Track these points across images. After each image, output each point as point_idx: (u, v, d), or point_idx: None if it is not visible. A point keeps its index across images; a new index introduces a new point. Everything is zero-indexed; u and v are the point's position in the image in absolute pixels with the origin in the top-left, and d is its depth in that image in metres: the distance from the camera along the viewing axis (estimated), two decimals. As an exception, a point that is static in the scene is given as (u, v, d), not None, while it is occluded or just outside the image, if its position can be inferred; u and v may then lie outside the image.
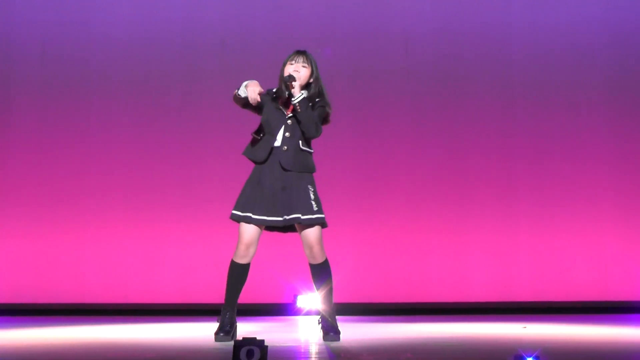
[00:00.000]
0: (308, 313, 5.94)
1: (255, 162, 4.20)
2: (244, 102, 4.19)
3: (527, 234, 6.35)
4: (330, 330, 4.13)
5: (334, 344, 4.03)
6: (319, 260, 4.15)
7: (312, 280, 4.22)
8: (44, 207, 6.30)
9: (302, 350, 3.87)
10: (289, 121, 4.16)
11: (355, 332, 4.65)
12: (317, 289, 4.20)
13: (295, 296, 6.07)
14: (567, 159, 6.44)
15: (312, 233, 4.12)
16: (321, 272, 4.16)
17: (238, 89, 4.17)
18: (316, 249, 4.12)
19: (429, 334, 4.58)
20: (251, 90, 4.12)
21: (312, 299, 5.95)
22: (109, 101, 6.45)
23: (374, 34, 6.53)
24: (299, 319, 5.82)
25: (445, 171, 6.40)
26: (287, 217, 4.09)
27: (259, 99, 4.12)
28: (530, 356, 3.07)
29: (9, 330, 4.90)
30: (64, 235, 6.28)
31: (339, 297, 5.36)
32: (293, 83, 4.13)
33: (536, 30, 6.55)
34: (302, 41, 6.48)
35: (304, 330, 4.93)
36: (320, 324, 4.19)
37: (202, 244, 6.23)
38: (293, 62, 4.24)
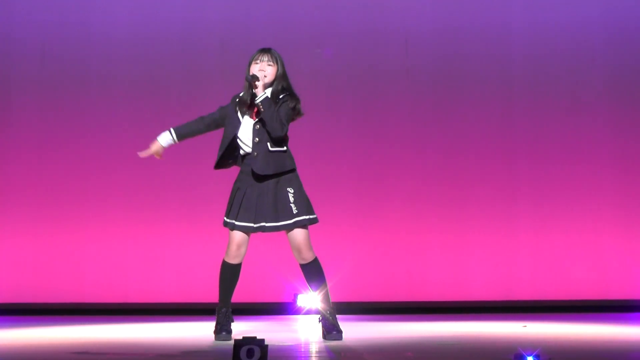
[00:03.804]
0: (308, 312, 5.94)
1: (238, 166, 4.24)
2: (195, 135, 4.55)
3: (527, 233, 6.34)
4: (332, 330, 4.13)
5: (334, 342, 4.03)
6: (309, 259, 4.15)
7: (306, 280, 4.23)
8: (44, 207, 6.29)
9: (302, 350, 3.88)
10: (257, 126, 4.15)
11: (355, 331, 4.65)
12: (313, 289, 4.20)
13: (295, 295, 6.06)
14: (567, 159, 6.43)
15: (298, 236, 4.12)
16: (314, 271, 4.16)
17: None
18: (304, 250, 4.13)
19: (429, 333, 4.59)
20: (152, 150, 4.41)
21: (312, 298, 5.94)
22: (109, 101, 6.44)
23: (374, 34, 6.52)
24: (299, 318, 5.82)
25: (446, 170, 6.40)
26: (267, 225, 4.11)
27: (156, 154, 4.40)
28: (530, 355, 3.07)
29: (9, 330, 4.90)
30: (64, 235, 6.27)
31: (339, 296, 5.36)
32: (257, 83, 4.10)
33: (536, 30, 6.54)
34: (302, 41, 6.49)
35: (304, 330, 4.93)
36: (321, 323, 4.19)
37: (202, 244, 6.23)
38: (258, 61, 4.20)
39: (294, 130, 6.40)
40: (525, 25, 6.55)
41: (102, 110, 6.43)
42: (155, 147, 4.40)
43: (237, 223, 4.12)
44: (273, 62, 4.18)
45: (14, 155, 6.37)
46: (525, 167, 6.42)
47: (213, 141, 6.30)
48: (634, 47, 6.52)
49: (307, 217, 4.11)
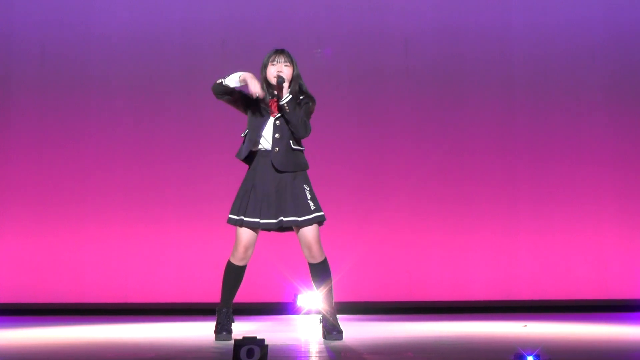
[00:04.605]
0: (308, 312, 5.95)
1: (247, 163, 4.22)
2: (227, 93, 4.17)
3: (527, 233, 6.34)
4: (333, 330, 4.13)
5: (335, 343, 4.03)
6: (319, 259, 4.15)
7: (312, 279, 4.23)
8: (43, 207, 6.30)
9: (303, 350, 3.87)
10: (277, 122, 4.16)
11: (355, 330, 4.65)
12: (318, 288, 4.21)
13: (295, 295, 6.07)
14: (567, 158, 6.44)
15: (310, 233, 4.12)
16: (321, 271, 4.17)
17: (223, 78, 4.15)
18: (315, 248, 4.13)
19: (429, 332, 4.59)
20: (254, 83, 4.09)
21: (312, 298, 5.95)
22: (109, 101, 6.45)
23: (374, 34, 6.53)
24: (299, 318, 5.82)
25: (446, 170, 6.40)
26: (284, 219, 4.10)
27: (261, 93, 4.10)
28: (530, 355, 3.07)
29: (9, 330, 4.90)
30: (64, 235, 6.28)
31: (339, 296, 5.35)
32: (284, 85, 4.12)
33: (536, 30, 6.55)
34: (302, 41, 6.49)
35: (304, 330, 4.93)
36: (322, 323, 4.19)
37: (202, 243, 6.23)
38: (275, 62, 4.21)
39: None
40: (526, 25, 6.55)
41: (102, 110, 6.43)
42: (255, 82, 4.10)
43: (261, 221, 4.11)
44: (289, 63, 4.21)
45: (14, 155, 6.37)
46: (525, 166, 6.42)
47: (213, 141, 6.32)
48: (634, 47, 6.53)
49: (322, 214, 4.14)
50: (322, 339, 4.16)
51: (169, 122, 6.45)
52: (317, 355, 3.64)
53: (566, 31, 6.54)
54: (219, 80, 4.18)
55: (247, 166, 4.25)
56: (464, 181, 6.39)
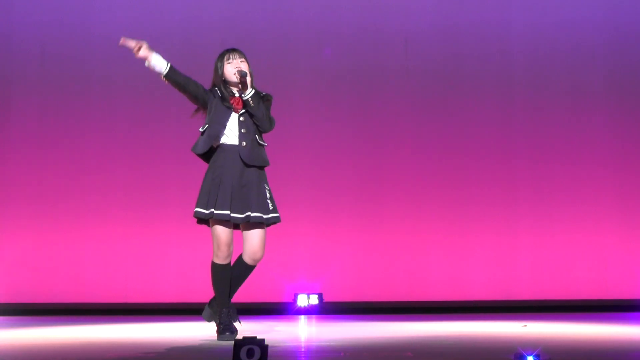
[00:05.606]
0: (308, 312, 5.94)
1: (202, 158, 4.19)
2: (174, 76, 4.18)
3: (527, 233, 6.35)
4: (229, 329, 4.10)
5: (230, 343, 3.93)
6: (257, 263, 4.15)
7: (235, 280, 4.17)
8: (43, 207, 6.30)
9: (303, 350, 3.87)
10: (241, 118, 4.15)
11: (355, 330, 4.65)
12: (233, 290, 4.17)
13: (295, 295, 6.07)
14: (567, 159, 6.44)
15: (262, 234, 4.11)
16: (247, 276, 4.16)
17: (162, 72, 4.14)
18: (261, 252, 4.14)
19: (429, 332, 4.58)
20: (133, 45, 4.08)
21: (312, 299, 5.95)
22: (109, 101, 6.45)
23: (374, 34, 6.53)
24: (299, 318, 5.82)
25: (446, 171, 6.41)
26: (252, 215, 4.06)
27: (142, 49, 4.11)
28: (530, 355, 3.07)
29: (9, 330, 4.90)
30: (64, 234, 6.28)
31: (339, 296, 5.36)
32: (247, 79, 4.13)
33: (536, 30, 6.55)
34: (302, 41, 6.49)
35: (304, 330, 4.93)
36: (220, 321, 4.13)
37: (202, 243, 6.22)
38: (231, 60, 4.22)
39: (294, 129, 6.41)
40: (526, 25, 6.55)
41: (102, 110, 6.43)
42: (144, 48, 4.18)
43: (232, 214, 4.09)
44: (245, 59, 4.23)
45: (14, 155, 6.37)
46: (525, 167, 6.42)
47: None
48: (634, 47, 6.53)
49: (279, 215, 4.13)
50: (217, 335, 4.11)
51: (169, 122, 6.45)
52: (317, 355, 3.64)
53: (566, 31, 6.54)
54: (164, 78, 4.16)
55: (200, 160, 4.23)
56: (464, 181, 6.39)
